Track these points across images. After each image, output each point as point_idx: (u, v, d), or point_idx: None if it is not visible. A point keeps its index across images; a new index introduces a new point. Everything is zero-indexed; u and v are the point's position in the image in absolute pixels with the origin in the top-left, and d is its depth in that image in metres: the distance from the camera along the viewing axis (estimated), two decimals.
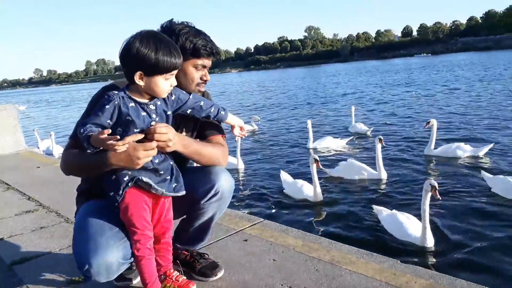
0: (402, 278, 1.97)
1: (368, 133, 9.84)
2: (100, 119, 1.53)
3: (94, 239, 1.63)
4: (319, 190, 5.08)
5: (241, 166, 7.28)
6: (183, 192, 1.74)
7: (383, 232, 4.01)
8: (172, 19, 1.83)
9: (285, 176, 5.82)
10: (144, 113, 1.59)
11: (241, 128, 2.03)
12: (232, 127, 2.01)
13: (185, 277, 1.89)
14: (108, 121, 1.54)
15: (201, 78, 1.83)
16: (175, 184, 1.71)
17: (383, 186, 5.73)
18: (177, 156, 1.76)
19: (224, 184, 1.87)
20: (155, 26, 1.77)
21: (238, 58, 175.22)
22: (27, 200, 3.80)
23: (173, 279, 1.84)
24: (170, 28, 1.76)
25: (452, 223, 4.16)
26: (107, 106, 1.54)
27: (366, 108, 15.06)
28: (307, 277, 2.05)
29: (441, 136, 8.39)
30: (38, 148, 11.66)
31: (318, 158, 4.90)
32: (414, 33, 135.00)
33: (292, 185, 5.53)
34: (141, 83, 1.57)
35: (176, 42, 1.68)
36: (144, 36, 1.55)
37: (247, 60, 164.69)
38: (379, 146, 5.80)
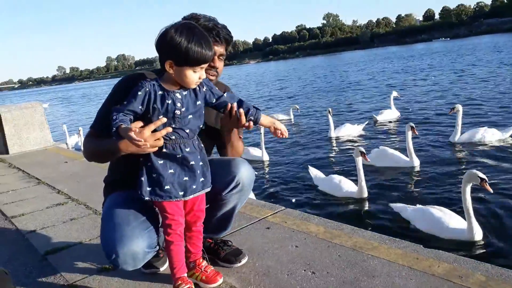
0: (425, 262, 1.97)
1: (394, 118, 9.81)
2: (133, 105, 1.59)
3: (120, 229, 1.70)
4: (364, 185, 4.75)
5: (266, 158, 7.29)
6: (209, 189, 1.79)
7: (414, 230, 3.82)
8: (196, 13, 1.87)
9: (315, 172, 5.56)
10: (169, 101, 1.63)
11: (276, 129, 1.85)
12: (270, 128, 1.86)
13: (213, 268, 1.94)
14: (140, 107, 1.60)
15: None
16: (202, 179, 1.75)
17: (416, 176, 5.57)
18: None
19: (244, 175, 1.91)
20: (175, 20, 1.78)
21: (256, 49, 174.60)
22: (57, 194, 3.94)
23: (202, 269, 1.90)
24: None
25: (492, 212, 4.06)
26: (139, 93, 1.60)
27: (387, 94, 14.83)
28: (329, 262, 2.08)
29: (467, 121, 8.23)
30: (67, 143, 12.02)
31: (364, 151, 4.65)
32: (436, 16, 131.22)
33: (328, 181, 5.22)
34: (171, 71, 1.61)
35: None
36: (180, 27, 1.58)
37: (265, 50, 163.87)
38: (409, 134, 5.65)
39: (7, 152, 6.53)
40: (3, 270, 1.91)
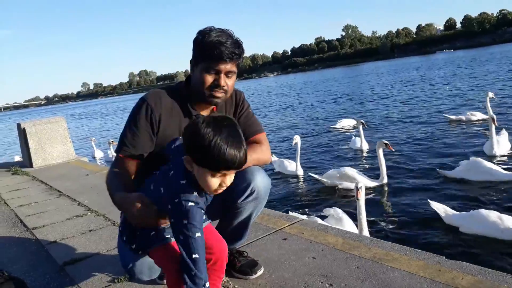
0: (448, 274, 1.89)
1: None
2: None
3: None
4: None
5: (300, 172, 7.19)
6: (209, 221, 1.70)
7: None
8: (213, 27, 1.83)
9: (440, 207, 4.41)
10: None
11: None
12: None
13: None
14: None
15: (214, 83, 1.72)
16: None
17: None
18: None
19: (260, 183, 1.88)
20: (193, 34, 1.79)
21: (275, 62, 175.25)
22: (77, 206, 3.99)
23: None
24: (200, 32, 1.74)
25: None
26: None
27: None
28: (348, 274, 2.02)
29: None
30: (95, 157, 12.28)
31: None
32: (458, 25, 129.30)
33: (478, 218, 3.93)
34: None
35: (197, 45, 1.72)
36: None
37: (284, 63, 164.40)
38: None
39: (31, 166, 6.69)
40: (22, 280, 1.93)
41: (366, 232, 3.73)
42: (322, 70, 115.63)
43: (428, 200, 4.51)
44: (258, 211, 1.99)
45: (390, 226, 4.58)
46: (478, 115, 10.07)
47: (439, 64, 43.50)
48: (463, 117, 10.27)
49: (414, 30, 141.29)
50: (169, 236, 1.51)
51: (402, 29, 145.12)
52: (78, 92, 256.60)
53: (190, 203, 1.35)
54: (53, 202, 4.25)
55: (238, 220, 1.97)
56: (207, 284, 1.40)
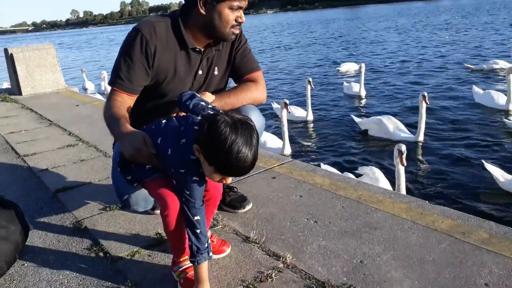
0: (429, 217, 1.97)
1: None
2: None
3: None
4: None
5: (288, 151, 6.69)
6: None
7: None
8: None
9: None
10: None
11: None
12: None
13: (219, 238, 1.83)
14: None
15: (236, 20, 1.72)
16: None
17: None
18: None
19: (254, 120, 1.87)
20: None
21: None
22: (68, 135, 3.99)
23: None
24: None
25: None
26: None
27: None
28: (333, 213, 2.09)
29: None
30: (86, 88, 12.06)
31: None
32: None
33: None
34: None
35: None
36: None
37: (284, 0, 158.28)
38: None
39: (20, 93, 6.57)
40: (15, 204, 1.97)
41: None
42: (323, 10, 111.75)
43: (483, 161, 4.21)
44: None
45: (431, 190, 4.24)
46: (501, 63, 9.72)
47: (446, 11, 42.23)
48: (485, 66, 9.98)
49: None
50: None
51: None
52: (67, 20, 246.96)
53: (194, 178, 1.38)
54: (43, 131, 4.23)
55: None
56: (209, 241, 1.49)
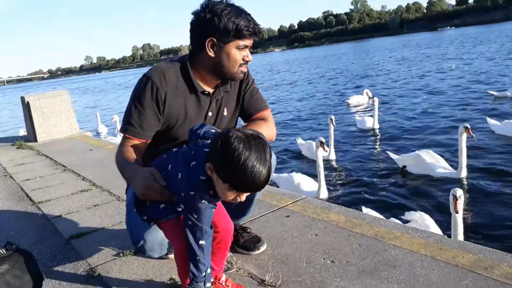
0: (449, 252, 1.91)
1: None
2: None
3: None
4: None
5: (324, 195, 6.10)
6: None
7: None
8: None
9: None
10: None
11: None
12: None
13: (234, 282, 1.79)
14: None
15: (243, 59, 1.77)
16: None
17: None
18: None
19: None
20: (194, 7, 1.73)
21: (281, 36, 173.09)
22: (81, 180, 4.03)
23: (223, 284, 1.73)
24: (211, 9, 1.69)
25: None
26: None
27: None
28: (350, 251, 2.04)
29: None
30: (99, 132, 12.32)
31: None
32: (470, 1, 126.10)
33: None
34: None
35: (218, 23, 1.66)
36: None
37: (291, 37, 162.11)
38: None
39: (35, 140, 6.72)
40: (29, 252, 1.96)
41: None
42: (329, 45, 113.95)
43: None
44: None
45: (485, 232, 3.94)
46: None
47: (451, 40, 42.72)
48: (509, 94, 9.92)
49: (425, 5, 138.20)
50: (180, 209, 1.51)
51: (413, 4, 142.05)
52: (81, 66, 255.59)
53: (203, 201, 1.37)
54: (58, 177, 4.29)
55: None
56: (209, 270, 1.45)
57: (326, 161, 6.52)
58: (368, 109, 11.19)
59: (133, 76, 70.14)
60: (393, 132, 8.41)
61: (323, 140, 4.76)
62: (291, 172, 5.35)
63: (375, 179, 5.76)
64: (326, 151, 4.75)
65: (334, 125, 6.66)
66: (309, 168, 6.38)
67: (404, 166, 5.70)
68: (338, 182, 5.86)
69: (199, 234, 1.39)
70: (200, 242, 1.39)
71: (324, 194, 4.90)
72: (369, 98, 11.75)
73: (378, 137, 8.26)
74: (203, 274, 1.42)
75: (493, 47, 26.41)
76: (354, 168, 6.35)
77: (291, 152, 7.56)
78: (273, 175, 4.64)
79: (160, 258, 2.10)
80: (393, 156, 5.96)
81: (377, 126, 8.54)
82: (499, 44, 28.77)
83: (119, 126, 10.63)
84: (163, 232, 1.58)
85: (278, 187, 4.25)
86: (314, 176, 5.13)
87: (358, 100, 12.25)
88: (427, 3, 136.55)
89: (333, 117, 6.71)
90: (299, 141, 7.32)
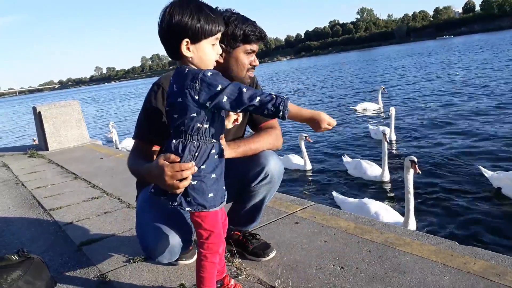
0: (460, 259, 1.89)
1: None
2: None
3: (157, 222, 1.72)
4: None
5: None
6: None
7: None
8: (217, 7, 1.85)
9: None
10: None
11: (320, 123, 1.51)
12: (311, 122, 1.52)
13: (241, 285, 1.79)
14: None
15: (250, 64, 1.83)
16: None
17: None
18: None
19: (273, 167, 1.90)
20: None
21: (288, 46, 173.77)
22: (92, 188, 4.07)
23: None
24: None
25: None
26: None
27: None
28: (359, 258, 2.03)
29: None
30: (114, 141, 12.45)
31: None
32: (477, 8, 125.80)
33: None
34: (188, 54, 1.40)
35: (226, 30, 1.68)
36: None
37: (298, 47, 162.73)
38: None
39: (47, 149, 6.81)
40: (40, 259, 1.99)
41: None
42: (336, 54, 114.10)
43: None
44: (271, 195, 2.02)
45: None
46: None
47: (458, 48, 42.53)
48: None
49: (431, 13, 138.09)
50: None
51: (419, 12, 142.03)
52: (91, 76, 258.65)
53: (209, 72, 1.36)
54: (69, 185, 4.33)
55: (252, 203, 2.00)
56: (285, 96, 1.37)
57: (379, 182, 5.54)
58: (378, 116, 11.05)
59: (143, 86, 70.82)
60: (409, 142, 7.80)
61: (415, 160, 3.70)
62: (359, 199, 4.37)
63: (463, 202, 4.63)
64: (419, 173, 3.72)
65: (387, 141, 5.56)
66: (354, 187, 5.65)
67: (499, 188, 4.66)
68: (432, 209, 4.56)
69: (247, 93, 1.33)
70: (257, 98, 1.33)
71: (412, 225, 3.71)
72: (379, 103, 11.59)
73: (398, 149, 7.52)
74: (274, 95, 1.35)
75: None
76: (431, 191, 5.09)
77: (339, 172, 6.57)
78: (338, 199, 4.54)
79: (170, 264, 2.11)
80: (486, 173, 4.87)
81: (394, 137, 7.85)
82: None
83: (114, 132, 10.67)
84: (193, 223, 1.50)
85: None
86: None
87: (366, 107, 12.09)
88: (434, 11, 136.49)
89: (387, 131, 6.00)
90: (346, 159, 6.38)
